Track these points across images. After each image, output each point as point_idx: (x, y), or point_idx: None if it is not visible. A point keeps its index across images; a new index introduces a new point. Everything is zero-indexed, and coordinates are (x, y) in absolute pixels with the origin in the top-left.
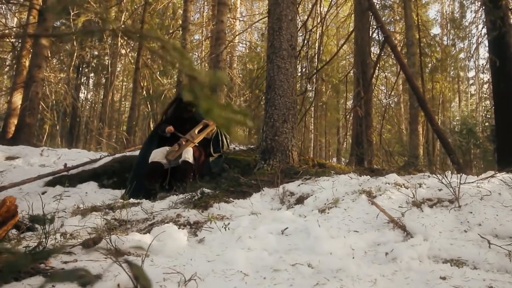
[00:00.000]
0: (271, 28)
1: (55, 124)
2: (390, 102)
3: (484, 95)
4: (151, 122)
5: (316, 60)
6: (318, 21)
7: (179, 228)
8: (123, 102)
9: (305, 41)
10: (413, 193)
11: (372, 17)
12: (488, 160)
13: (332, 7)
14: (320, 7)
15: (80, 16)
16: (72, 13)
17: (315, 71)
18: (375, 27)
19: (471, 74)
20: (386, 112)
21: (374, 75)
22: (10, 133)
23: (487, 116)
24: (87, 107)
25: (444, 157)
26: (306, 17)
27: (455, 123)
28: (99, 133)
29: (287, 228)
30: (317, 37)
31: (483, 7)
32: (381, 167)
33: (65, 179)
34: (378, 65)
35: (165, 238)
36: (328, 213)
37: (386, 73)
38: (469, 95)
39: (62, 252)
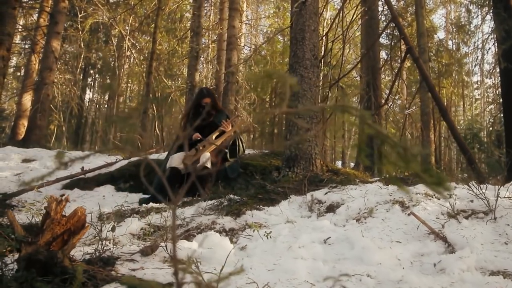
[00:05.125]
0: (294, 38)
1: (61, 125)
2: (410, 112)
3: (489, 100)
4: (157, 125)
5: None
6: (328, 29)
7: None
8: (127, 104)
9: (327, 51)
10: (451, 204)
11: (396, 28)
12: (493, 165)
13: (354, 20)
14: (343, 18)
15: (88, 19)
16: (79, 15)
17: (336, 80)
18: (384, 32)
19: (475, 78)
20: (406, 121)
21: (395, 84)
22: (20, 135)
23: (491, 120)
24: (92, 108)
25: (451, 165)
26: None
27: (459, 127)
28: (105, 135)
29: (329, 237)
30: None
31: (493, 14)
32: (386, 173)
33: (83, 182)
34: (399, 75)
35: (211, 246)
36: (365, 223)
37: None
38: (473, 100)
39: (126, 259)
